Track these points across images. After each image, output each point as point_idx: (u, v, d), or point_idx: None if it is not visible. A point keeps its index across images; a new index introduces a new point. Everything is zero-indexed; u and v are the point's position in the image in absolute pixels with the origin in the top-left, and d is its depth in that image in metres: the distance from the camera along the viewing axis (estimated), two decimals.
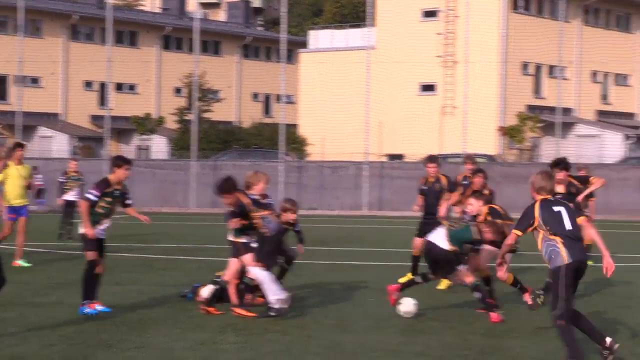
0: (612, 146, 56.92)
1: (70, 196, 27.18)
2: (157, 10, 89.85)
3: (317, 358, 11.44)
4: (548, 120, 55.06)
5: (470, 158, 19.81)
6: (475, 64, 52.97)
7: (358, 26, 65.72)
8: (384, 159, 54.02)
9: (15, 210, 19.43)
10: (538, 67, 62.58)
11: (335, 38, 68.42)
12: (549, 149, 52.15)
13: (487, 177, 17.39)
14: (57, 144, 63.10)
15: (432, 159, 18.68)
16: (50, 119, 68.86)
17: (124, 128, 64.94)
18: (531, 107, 60.09)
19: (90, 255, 13.83)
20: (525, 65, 61.81)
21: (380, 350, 11.88)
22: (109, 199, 13.87)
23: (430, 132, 58.76)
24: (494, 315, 13.46)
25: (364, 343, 12.39)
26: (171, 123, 63.96)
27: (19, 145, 20.11)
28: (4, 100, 69.29)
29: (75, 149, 61.02)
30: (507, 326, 13.45)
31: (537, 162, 50.12)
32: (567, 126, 55.31)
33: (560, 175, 15.10)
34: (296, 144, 59.71)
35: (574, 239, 10.57)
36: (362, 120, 48.12)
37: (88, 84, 71.50)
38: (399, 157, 57.30)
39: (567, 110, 55.63)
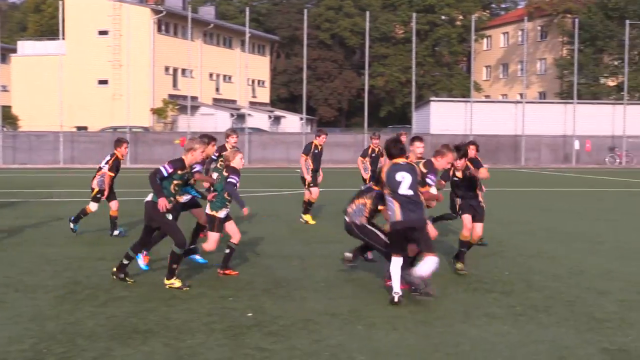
0: (223, 121, 58.53)
1: None
2: None
3: None
4: (182, 104, 56.80)
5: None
6: (134, 66, 55.91)
7: (53, 39, 65.08)
8: (74, 129, 52.80)
9: None
10: (175, 70, 64.02)
11: (36, 47, 67.37)
12: (184, 123, 53.66)
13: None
14: None
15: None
16: None
17: None
18: (171, 96, 61.58)
19: None
20: (167, 68, 63.23)
21: None
22: None
23: (105, 112, 59.43)
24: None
25: None
26: None
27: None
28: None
29: None
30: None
31: (176, 132, 52.91)
32: (194, 108, 56.37)
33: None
34: (10, 120, 58.73)
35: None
36: (58, 103, 48.17)
37: None
38: (84, 128, 57.13)
39: (194, 98, 56.65)
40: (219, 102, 68.70)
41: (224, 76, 71.55)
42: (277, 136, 52.89)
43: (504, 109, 53.41)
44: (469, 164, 11.18)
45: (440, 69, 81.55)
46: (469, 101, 52.24)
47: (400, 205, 8.77)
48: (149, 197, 9.46)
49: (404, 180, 8.83)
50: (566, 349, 7.06)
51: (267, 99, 78.15)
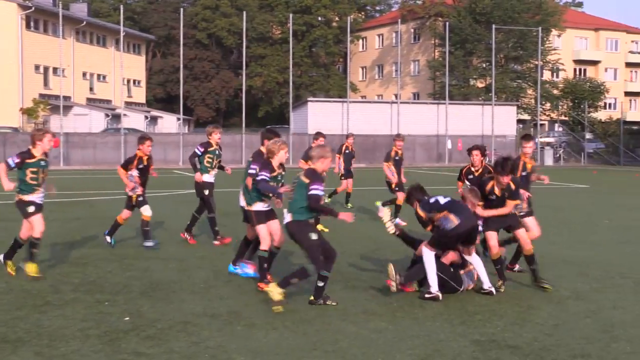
0: (98, 121, 58.44)
1: None
2: None
3: None
4: (54, 104, 54.37)
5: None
6: (0, 64, 54.62)
7: None
8: None
9: None
10: (46, 68, 61.02)
11: None
12: (56, 123, 50.71)
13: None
14: None
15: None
16: None
17: None
18: (42, 95, 58.60)
19: None
20: (37, 67, 60.23)
21: None
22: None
23: None
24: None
25: None
26: None
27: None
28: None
29: None
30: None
31: (48, 132, 53.31)
32: (67, 108, 55.15)
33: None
34: None
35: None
36: None
37: None
38: None
39: (67, 98, 55.46)
40: (93, 102, 66.98)
41: (98, 75, 69.65)
42: (154, 137, 51.33)
43: (380, 109, 54.53)
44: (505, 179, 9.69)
45: (317, 70, 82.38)
46: (345, 101, 53.01)
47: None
48: (289, 218, 8.67)
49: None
50: (440, 342, 7.27)
51: (143, 99, 76.76)
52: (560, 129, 67.30)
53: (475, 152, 11.67)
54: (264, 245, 9.51)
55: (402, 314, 8.33)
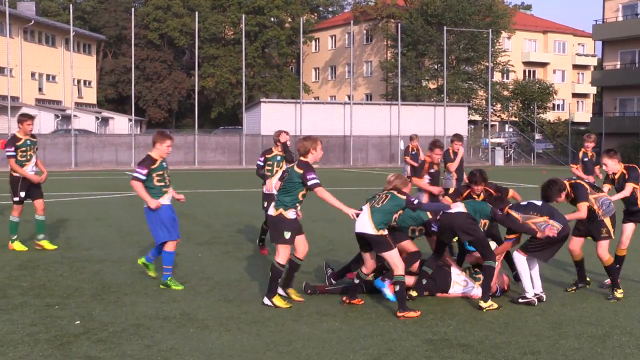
0: (47, 122, 56.35)
1: None
2: None
3: None
4: (1, 104, 52.93)
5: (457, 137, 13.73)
6: None
7: None
8: None
9: None
10: None
11: None
12: (3, 124, 49.45)
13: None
14: None
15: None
16: None
17: None
18: None
19: None
20: None
21: None
22: None
23: None
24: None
25: None
26: None
27: None
28: None
29: None
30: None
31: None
32: (15, 109, 51.17)
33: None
34: None
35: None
36: None
37: None
38: None
39: (14, 98, 53.70)
40: (42, 103, 65.72)
41: (48, 76, 68.43)
42: (106, 138, 51.41)
43: (333, 110, 54.66)
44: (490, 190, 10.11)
45: (270, 71, 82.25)
46: (298, 102, 53.03)
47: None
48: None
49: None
50: (393, 342, 7.32)
51: (94, 100, 75.75)
52: (511, 130, 68.24)
53: (437, 151, 12.05)
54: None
55: (355, 314, 8.35)
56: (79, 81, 70.28)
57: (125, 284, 9.98)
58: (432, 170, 12.14)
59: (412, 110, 55.26)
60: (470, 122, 62.92)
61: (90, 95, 75.10)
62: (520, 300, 8.98)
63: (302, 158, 8.71)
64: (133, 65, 51.12)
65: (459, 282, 9.38)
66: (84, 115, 62.03)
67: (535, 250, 9.07)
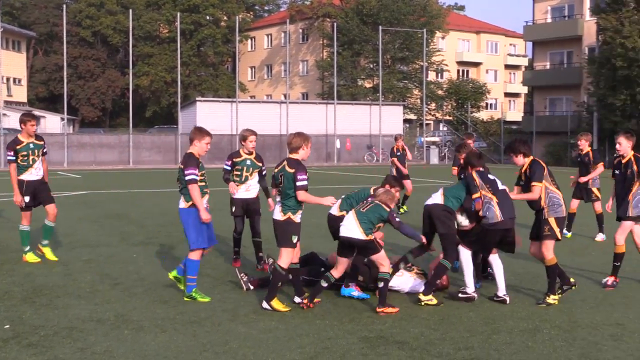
0: None
1: None
2: None
3: None
4: None
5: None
6: None
7: None
8: None
9: None
10: None
11: None
12: None
13: None
14: None
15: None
16: None
17: None
18: None
19: None
20: None
21: None
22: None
23: None
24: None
25: None
26: None
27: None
28: None
29: None
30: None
31: None
32: None
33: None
34: None
35: None
36: None
37: None
38: None
39: None
40: None
41: None
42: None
43: (269, 109, 54.51)
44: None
45: (205, 69, 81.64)
46: (234, 101, 52.76)
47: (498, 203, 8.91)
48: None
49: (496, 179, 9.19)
50: (329, 340, 7.35)
51: (24, 98, 73.98)
52: (445, 129, 69.21)
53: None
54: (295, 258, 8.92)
55: (292, 313, 8.36)
56: (8, 79, 68.47)
57: (57, 286, 9.80)
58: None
59: (348, 109, 55.53)
60: (405, 121, 63.57)
61: (21, 94, 73.34)
62: (460, 295, 9.05)
63: (292, 155, 8.61)
64: (65, 63, 50.12)
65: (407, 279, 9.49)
66: (13, 114, 60.36)
67: (470, 241, 9.11)
